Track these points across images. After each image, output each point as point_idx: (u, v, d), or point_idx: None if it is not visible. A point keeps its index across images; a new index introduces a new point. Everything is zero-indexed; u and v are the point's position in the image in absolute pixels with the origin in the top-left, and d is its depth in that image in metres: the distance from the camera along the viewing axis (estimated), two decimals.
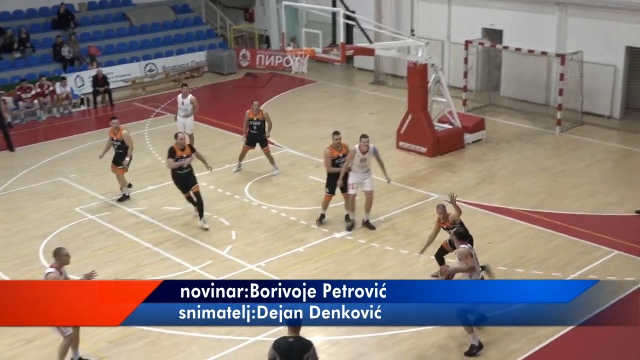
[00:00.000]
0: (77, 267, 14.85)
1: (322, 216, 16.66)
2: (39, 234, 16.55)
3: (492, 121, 23.60)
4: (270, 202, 17.87)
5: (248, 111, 19.58)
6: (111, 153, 18.29)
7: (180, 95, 20.96)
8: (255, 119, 19.44)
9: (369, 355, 12.14)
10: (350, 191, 16.21)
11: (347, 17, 20.24)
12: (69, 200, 18.41)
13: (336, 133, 16.22)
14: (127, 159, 17.93)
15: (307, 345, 9.49)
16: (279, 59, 31.91)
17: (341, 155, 16.06)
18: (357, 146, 15.91)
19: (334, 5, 28.76)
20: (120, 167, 18.12)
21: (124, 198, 18.28)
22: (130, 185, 18.68)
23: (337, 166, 16.04)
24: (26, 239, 16.37)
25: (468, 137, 21.63)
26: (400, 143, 21.38)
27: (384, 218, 16.90)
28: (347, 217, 16.55)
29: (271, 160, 19.75)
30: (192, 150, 16.68)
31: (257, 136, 19.58)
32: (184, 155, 16.34)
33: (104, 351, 12.22)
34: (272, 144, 20.71)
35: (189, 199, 16.84)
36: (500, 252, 15.23)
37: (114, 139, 18.10)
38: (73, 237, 16.44)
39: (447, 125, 21.68)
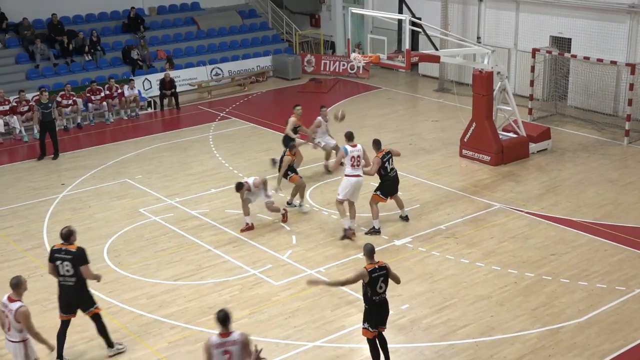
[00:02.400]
0: (139, 268, 15.23)
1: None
2: (104, 234, 16.90)
3: (558, 131, 23.22)
4: (331, 208, 17.88)
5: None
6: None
7: None
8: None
9: None
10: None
11: (413, 24, 20.16)
12: (133, 201, 18.76)
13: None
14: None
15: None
16: (343, 65, 31.96)
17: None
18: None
19: (400, 11, 28.65)
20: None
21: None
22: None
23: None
24: (91, 238, 16.72)
25: (533, 147, 21.32)
26: (464, 151, 21.21)
27: (445, 226, 16.77)
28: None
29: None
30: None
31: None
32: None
33: (164, 351, 12.40)
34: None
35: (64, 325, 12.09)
36: (563, 264, 14.96)
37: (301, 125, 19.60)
38: (137, 237, 16.74)
39: (511, 134, 21.41)
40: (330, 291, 14.08)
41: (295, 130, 19.54)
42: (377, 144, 16.52)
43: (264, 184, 16.81)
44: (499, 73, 20.93)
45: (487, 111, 20.64)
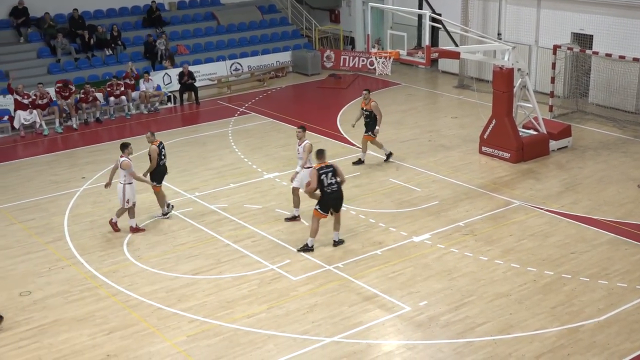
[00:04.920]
0: (158, 262, 15.31)
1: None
2: (123, 228, 16.96)
3: (579, 128, 23.08)
4: (349, 204, 17.85)
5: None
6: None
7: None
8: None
9: None
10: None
11: (433, 20, 20.07)
12: (153, 196, 18.72)
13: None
14: (377, 127, 20.08)
15: None
16: (363, 61, 31.92)
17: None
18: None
19: (420, 7, 28.60)
20: (368, 134, 20.21)
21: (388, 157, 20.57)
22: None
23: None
24: (111, 231, 16.79)
25: (553, 144, 21.21)
26: (484, 148, 21.12)
27: (464, 223, 16.73)
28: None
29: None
30: None
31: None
32: None
33: (182, 345, 12.45)
34: (354, 146, 20.88)
35: None
36: (583, 263, 14.87)
37: (364, 109, 20.08)
38: (156, 231, 16.81)
39: (532, 131, 21.30)
40: (349, 287, 14.09)
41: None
42: (319, 154, 15.47)
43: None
44: (519, 70, 20.81)
45: (507, 108, 20.54)
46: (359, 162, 20.38)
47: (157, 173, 17.39)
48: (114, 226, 16.82)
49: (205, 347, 12.38)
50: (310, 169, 16.01)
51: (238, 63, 30.56)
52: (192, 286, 14.34)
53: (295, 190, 16.93)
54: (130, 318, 13.27)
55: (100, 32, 28.97)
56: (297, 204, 16.99)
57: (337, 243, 15.76)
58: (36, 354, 12.30)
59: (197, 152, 22.11)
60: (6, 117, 24.50)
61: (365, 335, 12.61)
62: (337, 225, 15.77)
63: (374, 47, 26.97)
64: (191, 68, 28.19)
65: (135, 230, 16.76)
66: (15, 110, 24.26)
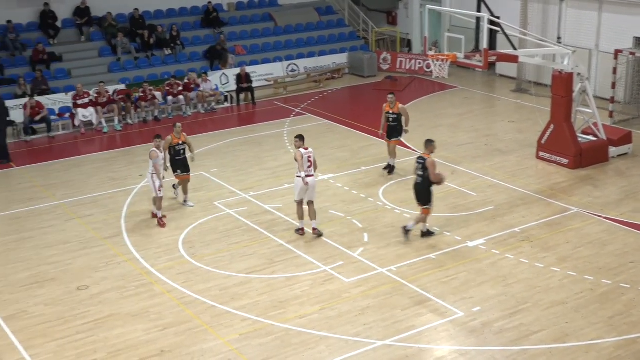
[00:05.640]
0: (212, 260, 15.45)
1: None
2: (179, 225, 17.18)
3: None
4: (404, 207, 17.80)
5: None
6: None
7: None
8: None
9: None
10: None
11: (492, 23, 19.89)
12: (209, 194, 19.01)
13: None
14: (406, 128, 19.72)
15: None
16: (419, 63, 31.76)
17: None
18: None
19: (479, 10, 28.35)
20: (397, 139, 19.71)
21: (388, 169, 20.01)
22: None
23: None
24: (167, 229, 17.01)
25: (613, 151, 20.80)
26: (541, 153, 20.83)
27: (519, 229, 16.51)
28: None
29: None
30: None
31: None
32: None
33: (235, 343, 12.54)
34: (409, 148, 20.80)
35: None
36: None
37: (390, 112, 19.52)
38: (211, 229, 16.97)
39: (591, 137, 20.93)
40: (402, 290, 14.03)
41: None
42: (425, 143, 16.20)
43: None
44: (579, 74, 20.48)
45: (566, 113, 20.23)
46: (388, 167, 20.04)
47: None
48: (160, 222, 17.11)
49: (257, 346, 12.45)
50: (298, 178, 16.30)
51: (294, 64, 30.69)
52: (245, 285, 14.44)
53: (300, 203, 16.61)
54: (184, 315, 13.43)
55: (159, 32, 29.38)
56: (301, 216, 16.56)
57: (425, 234, 16.27)
58: (91, 348, 12.53)
59: (253, 152, 22.26)
60: (67, 115, 25.05)
61: (417, 340, 12.54)
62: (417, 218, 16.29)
63: (431, 49, 26.80)
64: (248, 69, 28.39)
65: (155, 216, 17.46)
66: (75, 108, 24.77)
